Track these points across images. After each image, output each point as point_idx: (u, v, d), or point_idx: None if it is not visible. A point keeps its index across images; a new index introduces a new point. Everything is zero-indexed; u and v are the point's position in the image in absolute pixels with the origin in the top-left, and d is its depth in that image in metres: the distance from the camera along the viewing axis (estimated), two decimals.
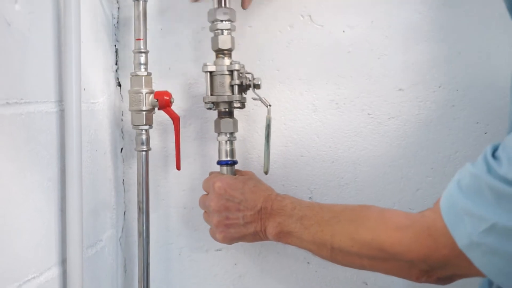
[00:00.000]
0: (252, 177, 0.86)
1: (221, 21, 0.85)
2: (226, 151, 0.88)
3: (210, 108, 0.87)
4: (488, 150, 0.57)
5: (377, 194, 0.93)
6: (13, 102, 0.64)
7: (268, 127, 0.85)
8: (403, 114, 0.91)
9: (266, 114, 0.85)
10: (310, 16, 0.92)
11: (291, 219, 0.77)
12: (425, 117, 0.90)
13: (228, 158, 0.88)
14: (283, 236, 0.78)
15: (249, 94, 0.87)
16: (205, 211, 0.86)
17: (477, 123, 0.89)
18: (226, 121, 0.87)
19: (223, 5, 0.85)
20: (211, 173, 0.90)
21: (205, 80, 0.87)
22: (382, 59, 0.91)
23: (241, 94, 0.86)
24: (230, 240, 0.84)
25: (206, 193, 0.86)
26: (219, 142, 0.88)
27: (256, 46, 0.93)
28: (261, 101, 0.85)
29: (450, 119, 0.90)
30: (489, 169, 0.55)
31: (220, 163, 0.88)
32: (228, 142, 0.88)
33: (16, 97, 0.65)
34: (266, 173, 0.87)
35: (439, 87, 0.90)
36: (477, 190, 0.56)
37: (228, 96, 0.85)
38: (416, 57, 0.90)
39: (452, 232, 0.58)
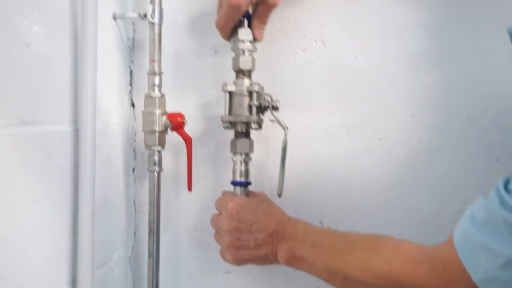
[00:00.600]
0: (265, 199, 0.86)
1: (243, 41, 0.85)
2: (241, 171, 0.88)
3: (227, 128, 0.87)
4: (501, 183, 0.57)
5: (388, 220, 0.93)
6: (30, 122, 0.65)
7: (284, 149, 0.85)
8: (414, 139, 0.91)
9: (283, 136, 0.85)
10: (322, 41, 0.93)
11: (304, 245, 0.76)
12: (436, 143, 0.90)
13: (243, 179, 0.88)
14: (294, 261, 0.78)
15: (267, 115, 0.87)
16: (216, 231, 0.86)
17: (488, 149, 0.89)
18: (243, 141, 0.86)
19: (246, 25, 0.86)
20: (224, 192, 0.90)
21: (224, 99, 0.87)
22: (394, 84, 0.91)
23: (259, 115, 0.86)
24: (239, 261, 0.83)
25: (218, 212, 0.86)
26: (234, 162, 0.88)
27: (269, 69, 0.94)
28: (279, 124, 0.85)
29: (461, 146, 0.90)
30: (503, 203, 0.55)
31: (234, 183, 0.88)
32: (243, 162, 0.88)
33: (32, 116, 0.66)
34: (279, 195, 0.86)
35: (450, 113, 0.90)
36: (491, 224, 0.56)
37: (246, 117, 0.85)
38: (427, 83, 0.90)
39: (467, 267, 0.58)
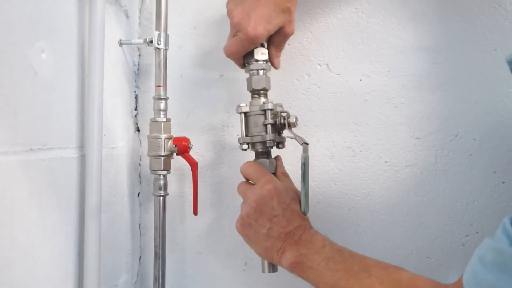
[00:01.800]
0: (296, 199, 0.83)
1: (258, 61, 0.85)
2: None
3: (245, 149, 0.85)
4: (507, 222, 0.56)
5: (395, 242, 0.93)
6: (37, 148, 0.66)
7: (304, 165, 0.81)
8: (420, 162, 0.91)
9: (302, 152, 0.81)
10: (327, 65, 0.94)
11: (318, 256, 0.75)
12: (442, 165, 0.91)
13: None
14: (299, 268, 0.76)
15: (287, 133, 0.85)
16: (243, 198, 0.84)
17: (495, 172, 0.89)
18: (262, 161, 0.85)
19: (258, 45, 0.85)
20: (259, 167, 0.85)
21: (239, 121, 0.85)
22: (399, 107, 0.92)
23: (276, 133, 0.84)
24: (243, 235, 0.82)
25: (248, 180, 0.85)
26: None
27: (274, 93, 0.94)
28: (296, 140, 0.81)
29: (468, 168, 0.90)
30: (511, 242, 0.55)
31: None
32: None
33: (39, 143, 0.66)
34: (305, 214, 0.82)
35: (456, 136, 0.90)
36: (501, 265, 0.55)
37: (262, 136, 0.83)
38: (432, 106, 0.91)
39: None
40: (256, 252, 0.83)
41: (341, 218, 0.94)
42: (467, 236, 0.91)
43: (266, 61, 0.85)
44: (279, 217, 0.78)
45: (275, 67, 0.87)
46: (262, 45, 0.85)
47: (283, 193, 0.80)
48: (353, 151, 0.93)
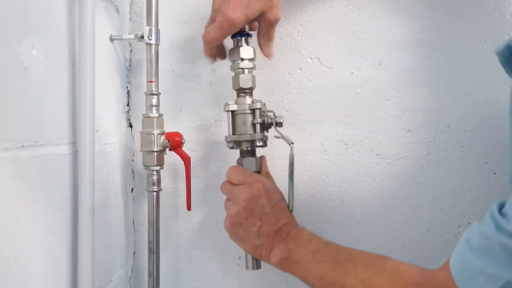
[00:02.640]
0: (284, 199, 0.84)
1: (243, 59, 0.85)
2: None
3: (232, 148, 0.86)
4: (495, 207, 0.57)
5: (387, 234, 0.93)
6: (29, 145, 0.65)
7: (291, 164, 0.83)
8: (412, 154, 0.92)
9: (290, 152, 0.83)
10: (318, 58, 0.94)
11: (304, 250, 0.76)
12: (434, 157, 0.91)
13: None
14: (287, 263, 0.77)
15: (271, 132, 0.86)
16: (227, 198, 0.84)
17: (486, 163, 0.90)
18: (249, 160, 0.86)
19: (246, 44, 0.86)
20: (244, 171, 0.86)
21: (227, 119, 0.86)
22: (390, 100, 0.92)
23: (263, 132, 0.85)
24: (233, 234, 0.82)
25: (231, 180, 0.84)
26: None
27: (266, 88, 0.94)
28: (284, 139, 0.83)
29: (459, 160, 0.90)
30: (498, 227, 0.55)
31: None
32: None
33: (31, 140, 0.66)
34: (291, 211, 0.84)
35: (448, 127, 0.90)
36: (487, 248, 0.56)
37: (251, 135, 0.84)
38: (424, 98, 0.91)
39: None
40: (244, 250, 0.84)
41: (334, 211, 0.94)
42: (459, 227, 0.91)
43: (251, 59, 0.85)
44: (269, 215, 0.79)
45: (267, 56, 0.87)
46: (247, 43, 0.85)
47: (272, 191, 0.81)
48: (346, 144, 0.93)
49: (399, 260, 0.71)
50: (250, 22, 0.82)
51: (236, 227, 0.81)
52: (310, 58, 0.94)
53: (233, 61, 0.87)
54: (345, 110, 0.93)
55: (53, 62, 0.71)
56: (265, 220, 0.79)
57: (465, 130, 0.90)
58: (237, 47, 0.86)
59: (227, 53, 0.89)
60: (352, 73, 0.93)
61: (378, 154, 0.93)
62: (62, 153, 0.74)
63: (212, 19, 0.84)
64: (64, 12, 0.75)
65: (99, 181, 0.85)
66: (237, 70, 0.86)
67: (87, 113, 0.76)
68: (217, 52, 0.87)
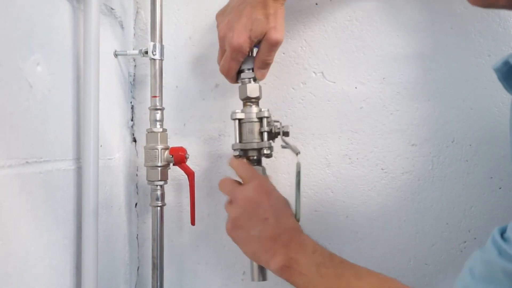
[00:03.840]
0: (287, 203, 0.83)
1: (249, 69, 0.84)
2: None
3: (239, 156, 0.85)
4: (496, 232, 0.56)
5: (392, 249, 0.92)
6: (33, 161, 0.65)
7: (298, 174, 0.81)
8: (416, 169, 0.91)
9: (296, 160, 0.81)
10: (322, 73, 0.94)
11: (308, 260, 0.74)
12: (439, 172, 0.91)
13: None
14: (288, 272, 0.75)
15: (277, 142, 0.85)
16: (230, 201, 0.82)
17: (491, 178, 0.89)
18: (256, 168, 0.84)
19: (250, 54, 0.85)
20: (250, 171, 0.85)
21: (233, 127, 0.85)
22: (395, 114, 0.92)
23: (270, 141, 0.84)
24: (233, 237, 0.81)
25: (234, 179, 0.83)
26: None
27: (270, 102, 0.94)
28: (291, 149, 0.82)
29: (464, 174, 0.90)
30: (501, 253, 0.55)
31: None
32: None
33: (35, 156, 0.66)
34: (298, 220, 0.82)
35: (452, 142, 0.90)
36: (491, 276, 0.55)
37: (258, 143, 0.83)
38: (428, 113, 0.91)
39: None
40: (245, 253, 0.81)
41: (339, 226, 0.94)
42: (465, 242, 0.91)
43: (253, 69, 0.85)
44: (271, 218, 0.77)
45: (257, 78, 0.85)
46: (253, 52, 0.85)
47: (275, 196, 0.80)
48: (350, 158, 0.93)
49: (405, 286, 0.69)
50: (256, 45, 0.83)
51: (237, 230, 0.79)
52: (314, 72, 0.94)
53: (241, 71, 0.86)
54: (349, 124, 0.93)
55: (57, 78, 0.72)
56: (266, 223, 0.77)
57: (470, 145, 0.90)
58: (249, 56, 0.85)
59: None
60: (356, 87, 0.93)
61: (382, 169, 0.92)
62: (66, 169, 0.74)
63: (221, 48, 0.84)
64: (69, 29, 0.75)
65: (103, 196, 0.85)
66: (243, 80, 0.85)
67: (91, 128, 0.76)
68: (232, 81, 0.87)
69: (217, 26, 0.84)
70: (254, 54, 0.85)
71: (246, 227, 0.78)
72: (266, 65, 0.84)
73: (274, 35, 0.81)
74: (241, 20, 0.79)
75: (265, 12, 0.79)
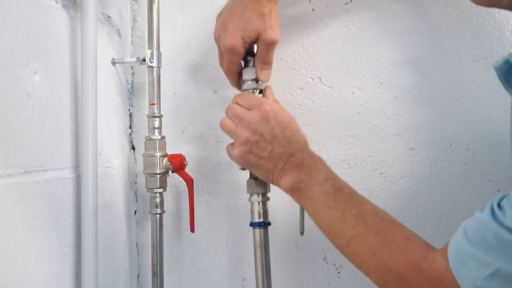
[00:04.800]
0: (295, 121, 0.81)
1: (246, 81, 0.84)
2: (259, 212, 0.84)
3: (243, 169, 0.84)
4: (496, 200, 0.59)
5: None
6: (31, 170, 0.65)
7: None
8: (415, 173, 0.91)
9: None
10: (320, 78, 0.94)
11: (318, 187, 0.74)
12: (437, 175, 0.91)
13: (262, 220, 0.84)
14: (298, 194, 0.76)
15: None
16: (233, 122, 0.80)
17: (490, 181, 0.89)
18: (259, 181, 0.84)
19: (250, 64, 0.84)
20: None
21: None
22: (392, 119, 0.92)
23: None
24: (243, 162, 0.80)
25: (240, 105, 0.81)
26: (252, 203, 0.85)
27: None
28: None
29: (463, 178, 0.90)
30: (494, 217, 0.56)
31: (253, 225, 0.85)
32: (261, 203, 0.84)
33: (34, 165, 0.66)
34: (302, 233, 0.83)
35: (450, 145, 0.90)
36: (482, 236, 0.57)
37: None
38: (426, 117, 0.91)
39: (456, 277, 0.59)
40: (256, 175, 0.82)
41: None
42: None
43: (255, 79, 0.84)
44: (279, 137, 0.77)
45: (260, 79, 0.84)
46: (247, 63, 0.84)
47: (280, 112, 0.79)
48: (348, 163, 0.93)
49: (410, 231, 0.70)
50: (251, 45, 0.82)
51: (247, 155, 0.78)
52: (312, 78, 0.94)
53: (243, 81, 0.85)
54: (347, 129, 0.93)
55: (55, 87, 0.72)
56: (276, 143, 0.77)
57: (468, 148, 0.90)
58: (245, 67, 0.85)
59: None
60: (353, 92, 0.93)
61: (381, 173, 0.92)
62: (65, 177, 0.74)
63: (219, 49, 0.84)
64: (66, 37, 0.76)
65: (102, 204, 0.85)
66: (247, 91, 0.84)
67: (90, 137, 0.77)
68: (234, 83, 0.87)
69: (214, 28, 0.84)
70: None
71: (256, 150, 0.77)
72: (267, 65, 0.83)
73: (269, 34, 0.79)
74: (233, 20, 0.79)
75: (258, 11, 0.78)
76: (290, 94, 0.95)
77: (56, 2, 0.73)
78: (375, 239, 0.69)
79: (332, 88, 0.94)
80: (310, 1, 0.94)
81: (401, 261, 0.66)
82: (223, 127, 0.82)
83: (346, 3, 0.93)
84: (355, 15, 0.93)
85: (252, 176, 0.85)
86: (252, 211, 0.85)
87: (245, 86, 0.85)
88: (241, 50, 0.80)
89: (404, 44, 0.92)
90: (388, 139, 0.92)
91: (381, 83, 0.92)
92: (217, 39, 0.82)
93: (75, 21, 0.78)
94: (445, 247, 0.62)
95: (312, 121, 0.94)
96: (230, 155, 0.81)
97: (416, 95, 0.91)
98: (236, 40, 0.79)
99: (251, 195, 0.85)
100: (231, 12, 0.80)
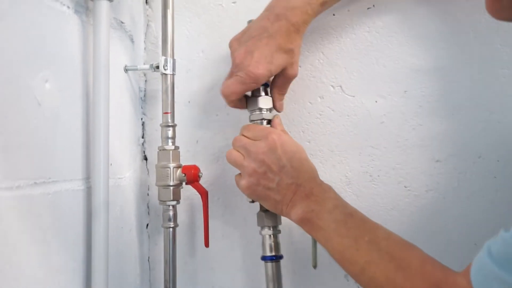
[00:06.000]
0: (303, 151, 0.83)
1: (263, 109, 0.86)
2: (271, 245, 0.85)
3: (253, 201, 0.85)
4: None
5: None
6: (41, 182, 0.66)
7: None
8: (441, 186, 0.90)
9: None
10: (341, 86, 0.94)
11: (328, 216, 0.75)
12: (465, 189, 0.89)
13: (273, 253, 0.85)
14: (309, 225, 0.77)
15: None
16: (240, 154, 0.83)
17: None
18: (270, 214, 0.85)
19: (264, 93, 0.86)
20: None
21: None
22: (417, 129, 0.91)
23: None
24: (252, 194, 0.81)
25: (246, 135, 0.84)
26: (263, 236, 0.86)
27: (286, 118, 0.94)
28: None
29: (492, 191, 0.89)
30: None
31: (264, 258, 0.86)
32: (272, 236, 0.85)
33: (44, 176, 0.66)
34: (314, 267, 0.84)
35: (479, 157, 0.89)
36: (507, 256, 0.57)
37: None
38: (453, 127, 0.90)
39: None
40: (265, 207, 0.83)
41: None
42: None
43: (270, 109, 0.86)
44: (287, 167, 0.78)
45: (278, 110, 0.88)
46: (266, 93, 0.86)
47: (288, 142, 0.81)
48: (371, 176, 0.93)
49: (426, 254, 0.70)
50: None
51: (255, 187, 0.80)
52: (332, 86, 0.94)
53: (251, 111, 0.87)
54: (370, 140, 0.93)
55: (66, 95, 0.72)
56: (283, 173, 0.78)
57: (498, 160, 0.89)
58: (254, 97, 0.87)
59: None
60: (376, 101, 0.92)
61: (405, 186, 0.91)
62: (75, 189, 0.75)
63: (233, 72, 0.84)
64: (78, 44, 0.76)
65: (113, 217, 0.85)
66: (255, 122, 0.86)
67: (101, 147, 0.77)
68: (237, 103, 0.87)
69: (232, 53, 0.85)
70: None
71: (264, 182, 0.79)
72: (283, 96, 0.88)
73: (294, 70, 0.85)
74: (262, 50, 0.80)
75: (287, 47, 0.81)
76: (309, 103, 0.95)
77: (68, 7, 0.74)
78: (390, 264, 0.69)
79: (353, 96, 0.93)
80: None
81: (419, 285, 0.66)
82: (230, 158, 0.84)
83: (368, 8, 0.93)
84: (378, 20, 0.93)
85: (262, 209, 0.86)
86: (263, 245, 0.86)
87: (253, 116, 0.87)
88: (263, 82, 0.83)
89: (429, 50, 0.91)
90: (412, 150, 0.91)
91: (405, 91, 0.91)
92: (238, 64, 0.82)
93: (87, 27, 0.78)
94: (468, 268, 0.62)
95: (333, 131, 0.94)
96: (238, 186, 0.84)
97: (442, 104, 0.91)
98: (263, 71, 0.80)
99: (262, 228, 0.86)
100: (258, 40, 0.81)
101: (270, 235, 0.86)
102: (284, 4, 0.82)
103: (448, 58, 0.91)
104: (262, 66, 0.80)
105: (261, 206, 0.86)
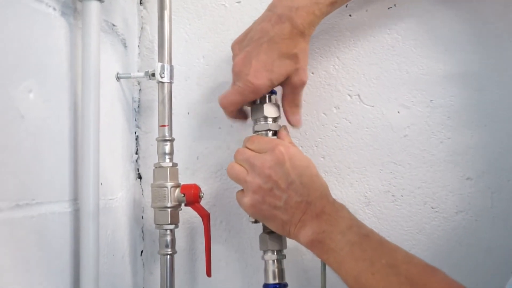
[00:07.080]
0: (314, 165, 0.82)
1: (268, 118, 0.86)
2: (274, 272, 0.85)
3: (256, 222, 0.85)
4: None
5: None
6: (24, 204, 0.66)
7: None
8: (473, 207, 0.90)
9: None
10: (358, 95, 0.94)
11: (342, 237, 0.75)
12: (500, 210, 0.89)
13: (277, 281, 0.85)
14: (320, 248, 0.76)
15: None
16: (243, 168, 0.82)
17: None
18: (274, 236, 0.85)
19: (263, 101, 0.86)
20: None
21: None
22: (445, 143, 0.91)
23: None
24: (255, 213, 0.81)
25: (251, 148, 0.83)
26: (266, 261, 0.86)
27: (297, 131, 0.94)
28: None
29: None
30: None
31: (266, 287, 0.86)
32: (276, 261, 0.85)
33: (27, 197, 0.66)
34: None
35: None
36: None
37: None
38: (485, 141, 0.90)
39: None
40: (271, 229, 0.82)
41: None
42: None
43: (276, 118, 0.86)
44: (296, 183, 0.78)
45: (294, 126, 0.88)
46: (271, 99, 0.87)
47: (297, 155, 0.80)
48: (393, 195, 0.93)
49: (450, 278, 0.70)
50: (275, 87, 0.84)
51: (259, 205, 0.79)
52: (349, 95, 0.94)
53: (255, 120, 0.87)
54: (392, 155, 0.93)
55: (52, 106, 0.73)
56: (292, 190, 0.77)
57: None
58: (260, 104, 0.87)
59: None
60: (398, 112, 0.93)
61: (432, 207, 0.91)
62: (62, 212, 0.75)
63: (233, 82, 0.85)
64: (65, 50, 0.77)
65: (104, 242, 0.85)
66: (259, 133, 0.86)
67: (91, 164, 0.77)
68: (237, 115, 0.88)
69: (233, 59, 0.85)
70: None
71: (269, 200, 0.78)
72: (297, 107, 0.87)
73: (299, 78, 0.83)
74: (261, 57, 0.81)
75: (290, 52, 0.81)
76: (323, 114, 0.95)
77: (54, 9, 0.74)
78: None
79: (373, 106, 0.93)
80: (347, 6, 0.94)
81: None
82: (231, 173, 0.84)
83: (389, 8, 0.93)
84: (399, 21, 0.93)
85: (266, 230, 0.86)
86: (266, 271, 0.86)
87: (257, 126, 0.87)
88: (264, 93, 0.83)
89: (457, 55, 0.92)
90: (440, 167, 0.91)
91: (431, 100, 0.92)
92: (237, 73, 0.83)
93: (75, 30, 0.79)
94: None
95: (350, 146, 0.94)
96: (240, 204, 0.83)
97: (472, 114, 0.91)
98: (262, 81, 0.81)
99: (265, 252, 0.86)
100: (257, 46, 0.81)
101: (274, 261, 0.85)
102: (287, 4, 0.81)
103: (478, 63, 0.91)
104: (262, 76, 0.80)
105: (264, 227, 0.86)
